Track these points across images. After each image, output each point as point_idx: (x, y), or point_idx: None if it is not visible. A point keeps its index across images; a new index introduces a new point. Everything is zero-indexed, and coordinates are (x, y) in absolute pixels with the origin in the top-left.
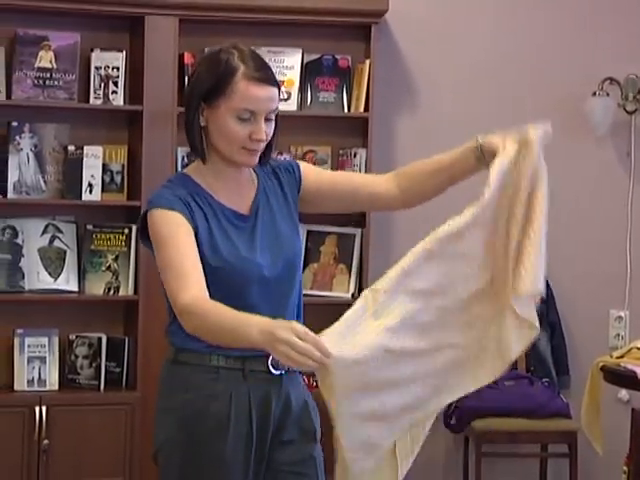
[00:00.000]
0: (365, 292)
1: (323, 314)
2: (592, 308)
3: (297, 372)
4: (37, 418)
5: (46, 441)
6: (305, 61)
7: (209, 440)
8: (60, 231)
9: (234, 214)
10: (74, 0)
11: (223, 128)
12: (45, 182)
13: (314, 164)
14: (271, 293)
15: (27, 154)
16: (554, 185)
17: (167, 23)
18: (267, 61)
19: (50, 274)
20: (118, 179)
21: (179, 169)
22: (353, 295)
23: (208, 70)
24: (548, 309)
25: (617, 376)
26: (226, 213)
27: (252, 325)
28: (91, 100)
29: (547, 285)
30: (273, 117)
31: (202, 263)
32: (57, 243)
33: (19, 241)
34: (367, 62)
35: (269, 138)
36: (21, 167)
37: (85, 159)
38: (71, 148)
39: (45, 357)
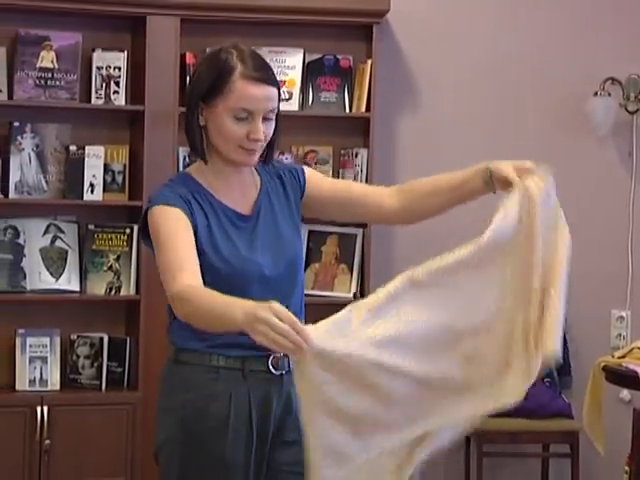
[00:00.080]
0: (349, 307)
1: (324, 314)
2: (594, 308)
3: None
4: (39, 418)
5: (47, 441)
6: (306, 61)
7: (209, 440)
8: (62, 231)
9: (235, 214)
10: (76, 0)
11: (221, 127)
12: (47, 182)
13: (315, 164)
14: (272, 293)
15: (29, 154)
16: (555, 185)
17: (169, 23)
18: (268, 61)
19: (52, 274)
20: (119, 179)
21: (180, 169)
22: (355, 295)
23: (207, 69)
24: None
25: (619, 376)
26: (227, 213)
27: (237, 307)
28: (93, 100)
29: None
30: (272, 117)
31: (202, 261)
32: (59, 243)
33: (21, 241)
34: (368, 62)
35: (268, 138)
36: (23, 167)
37: (87, 159)
38: (73, 148)
39: (47, 357)
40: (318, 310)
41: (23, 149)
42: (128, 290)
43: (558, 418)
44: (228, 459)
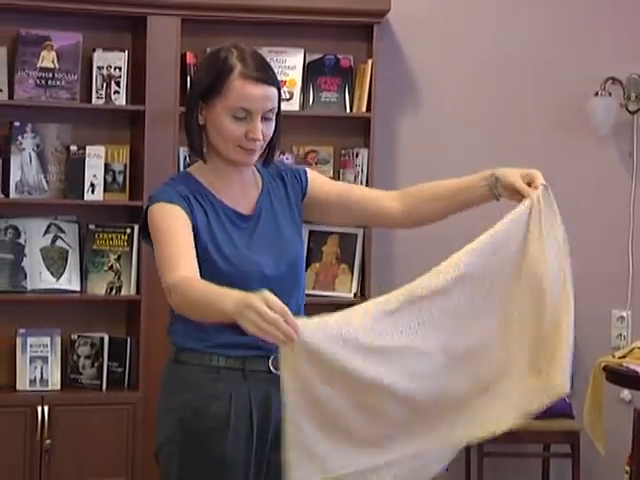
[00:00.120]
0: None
1: (325, 314)
2: (594, 308)
3: None
4: (39, 418)
5: (48, 441)
6: (307, 61)
7: (209, 440)
8: (62, 231)
9: (235, 214)
10: (76, 0)
11: (219, 127)
12: (47, 182)
13: (316, 164)
14: (274, 293)
15: (29, 154)
16: (556, 185)
17: (169, 23)
18: (269, 61)
19: (52, 274)
20: (120, 179)
21: (181, 169)
22: (355, 295)
23: (207, 69)
24: None
25: (619, 376)
26: (227, 212)
27: (228, 296)
28: (93, 100)
29: None
30: (272, 117)
31: (204, 260)
32: (59, 243)
33: (21, 241)
34: (369, 62)
35: (268, 138)
36: (23, 167)
37: (87, 159)
38: (73, 148)
39: (47, 357)
40: (319, 310)
41: (24, 149)
42: (129, 290)
43: (559, 418)
44: (228, 459)
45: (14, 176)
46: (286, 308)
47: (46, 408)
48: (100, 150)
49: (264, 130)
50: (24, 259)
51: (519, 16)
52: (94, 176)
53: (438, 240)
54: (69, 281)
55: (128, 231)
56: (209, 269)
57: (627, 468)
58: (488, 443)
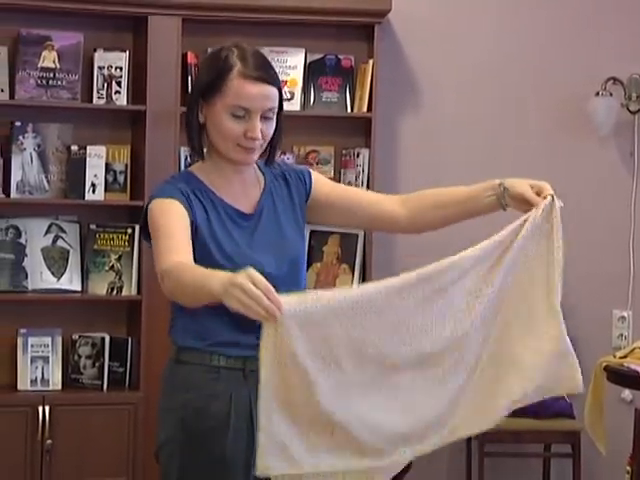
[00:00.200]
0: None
1: None
2: (595, 308)
3: None
4: (40, 418)
5: (49, 441)
6: (308, 61)
7: (210, 439)
8: (63, 231)
9: (236, 212)
10: (77, 0)
11: (219, 125)
12: (48, 182)
13: (317, 164)
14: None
15: (30, 154)
16: (556, 185)
17: (170, 23)
18: (270, 61)
19: (53, 274)
20: (121, 179)
21: (182, 169)
22: None
23: (207, 68)
24: None
25: (620, 376)
26: (227, 210)
27: (215, 277)
28: (94, 100)
29: None
30: (271, 116)
31: (204, 256)
32: (60, 243)
33: (22, 241)
34: (370, 62)
35: (268, 137)
36: (24, 167)
37: (88, 159)
38: (74, 148)
39: (48, 357)
40: None
41: (25, 149)
42: (129, 290)
43: (560, 418)
44: (229, 459)
45: (15, 176)
46: (270, 286)
47: (47, 408)
48: (101, 150)
49: (264, 129)
50: (25, 259)
51: (520, 16)
52: (95, 176)
53: (439, 240)
54: (70, 281)
55: (129, 231)
56: (209, 267)
57: (628, 468)
58: (489, 443)
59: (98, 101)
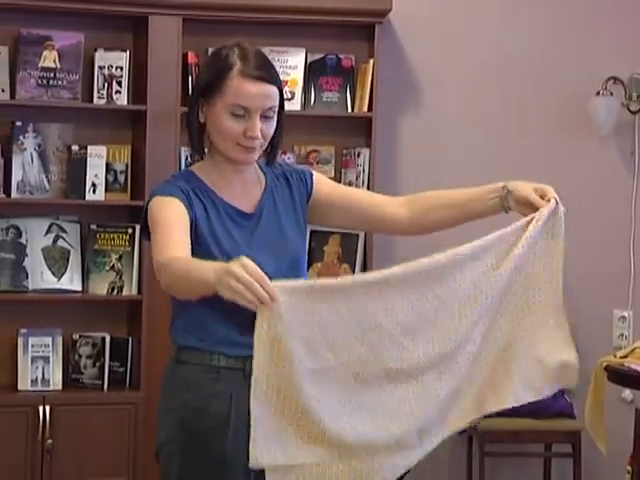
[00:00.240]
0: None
1: None
2: (596, 308)
3: None
4: (41, 418)
5: (50, 441)
6: (309, 61)
7: (209, 439)
8: (64, 231)
9: (236, 211)
10: (78, 0)
11: (218, 124)
12: (49, 182)
13: (317, 164)
14: None
15: (31, 154)
16: (557, 185)
17: (171, 23)
18: (271, 60)
19: (54, 274)
20: (122, 179)
21: (182, 168)
22: None
23: (208, 67)
24: None
25: (621, 376)
26: (227, 210)
27: (210, 267)
28: (95, 100)
29: None
30: (272, 115)
31: (203, 253)
32: (61, 243)
33: (23, 241)
34: (371, 62)
35: (268, 137)
36: (25, 167)
37: (89, 159)
38: (75, 148)
39: (49, 357)
40: None
41: (25, 149)
42: (130, 290)
43: (560, 418)
44: (229, 458)
45: (16, 176)
46: (264, 275)
47: (47, 408)
48: (102, 150)
49: (264, 129)
50: (25, 259)
51: (521, 16)
52: (95, 176)
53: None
54: (70, 281)
55: (129, 231)
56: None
57: (628, 468)
58: (489, 443)
59: (99, 101)
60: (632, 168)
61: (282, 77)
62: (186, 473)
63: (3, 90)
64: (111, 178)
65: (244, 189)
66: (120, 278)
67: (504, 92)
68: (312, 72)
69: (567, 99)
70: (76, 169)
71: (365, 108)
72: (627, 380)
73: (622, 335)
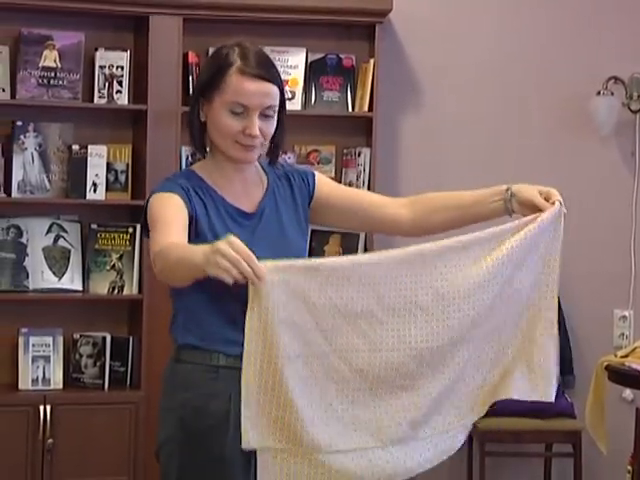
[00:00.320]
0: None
1: None
2: (596, 308)
3: None
4: (41, 417)
5: (50, 440)
6: (309, 60)
7: (209, 438)
8: (64, 230)
9: (237, 211)
10: (78, 0)
11: (218, 123)
12: (49, 181)
13: (318, 163)
14: None
15: (31, 153)
16: (558, 185)
17: (171, 22)
18: (272, 60)
19: (54, 273)
20: (122, 178)
21: (183, 168)
22: None
23: (208, 65)
24: None
25: (621, 375)
26: (228, 208)
27: (200, 249)
28: (95, 99)
29: None
30: (271, 114)
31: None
32: (61, 242)
33: (23, 240)
34: (371, 61)
35: (268, 136)
36: (25, 166)
37: (89, 158)
38: (75, 147)
39: (49, 356)
40: None
41: (26, 148)
42: (131, 289)
43: (561, 418)
44: (228, 457)
45: (16, 175)
46: (250, 253)
47: (48, 407)
48: (102, 149)
49: (263, 128)
50: (26, 258)
51: (521, 16)
52: (96, 175)
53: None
54: (71, 280)
55: (130, 230)
56: None
57: (629, 468)
58: (490, 442)
59: (99, 100)
60: (633, 168)
61: (283, 77)
62: (186, 472)
63: (4, 90)
64: (112, 178)
65: (245, 188)
66: (121, 278)
67: (504, 92)
68: (313, 72)
69: (568, 99)
70: (77, 169)
71: (366, 108)
72: (628, 380)
73: (623, 335)
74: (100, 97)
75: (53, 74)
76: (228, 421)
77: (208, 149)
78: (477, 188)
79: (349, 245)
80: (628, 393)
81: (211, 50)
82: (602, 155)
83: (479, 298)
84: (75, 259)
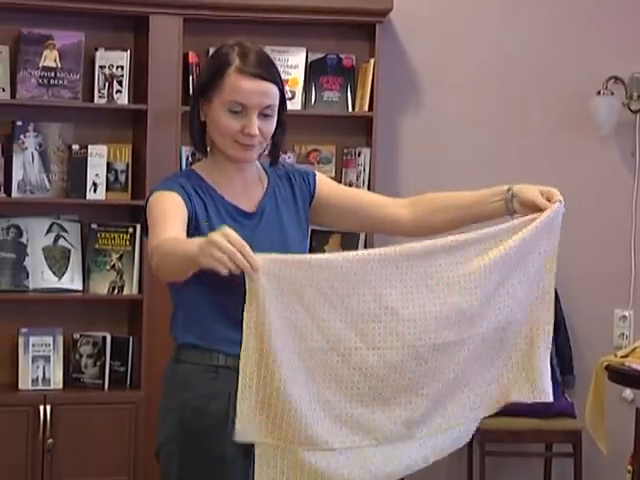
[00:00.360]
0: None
1: None
2: (596, 307)
3: None
4: (41, 417)
5: (50, 440)
6: (309, 60)
7: (209, 438)
8: (64, 230)
9: (237, 210)
10: None
11: (217, 122)
12: (49, 181)
13: (318, 163)
14: None
15: (32, 153)
16: (558, 184)
17: (171, 22)
18: (272, 59)
19: (54, 273)
20: (122, 178)
21: (183, 168)
22: None
23: (208, 65)
24: None
25: (621, 375)
26: (228, 208)
27: (194, 241)
28: (95, 99)
29: None
30: (271, 114)
31: None
32: (61, 242)
33: (23, 240)
34: (371, 61)
35: (267, 135)
36: (25, 166)
37: (89, 158)
38: (75, 147)
39: (49, 356)
40: None
41: (26, 148)
42: (131, 289)
43: (561, 417)
44: (228, 458)
45: (16, 175)
46: (245, 244)
47: (48, 407)
48: (102, 149)
49: (263, 127)
50: (26, 258)
51: (521, 15)
52: (96, 175)
53: None
54: (71, 280)
55: (130, 230)
56: None
57: (629, 467)
58: (490, 442)
59: (99, 100)
60: (633, 168)
61: (283, 76)
62: (185, 472)
63: (4, 89)
64: (112, 177)
65: (245, 188)
66: (121, 277)
67: (505, 92)
68: (313, 71)
69: (568, 99)
70: (77, 168)
71: (366, 107)
72: (628, 380)
73: (623, 335)
74: (100, 97)
75: (53, 74)
76: (228, 421)
77: (208, 149)
78: (477, 188)
79: (349, 245)
80: (628, 393)
81: (211, 50)
82: (602, 155)
83: (478, 297)
84: (75, 259)
